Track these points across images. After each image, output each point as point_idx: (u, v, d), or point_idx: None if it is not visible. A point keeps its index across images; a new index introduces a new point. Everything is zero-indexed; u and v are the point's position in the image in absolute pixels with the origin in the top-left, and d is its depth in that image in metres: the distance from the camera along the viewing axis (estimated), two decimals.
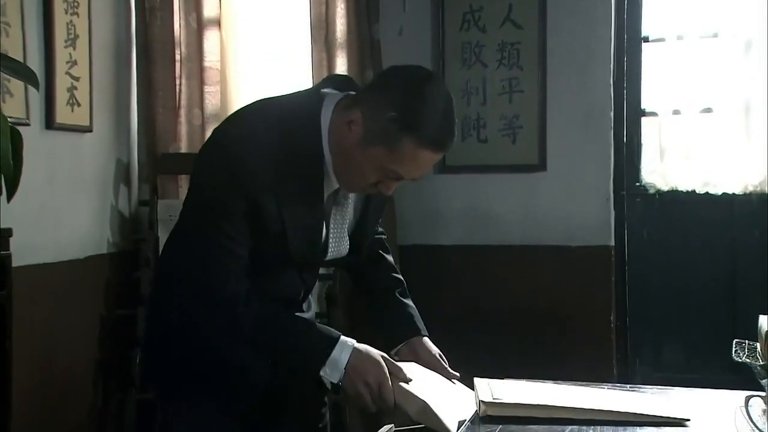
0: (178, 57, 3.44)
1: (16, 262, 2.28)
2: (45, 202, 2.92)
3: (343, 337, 1.58)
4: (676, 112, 3.27)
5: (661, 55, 3.33)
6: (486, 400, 1.55)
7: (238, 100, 3.44)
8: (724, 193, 3.24)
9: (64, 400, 2.97)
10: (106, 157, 3.34)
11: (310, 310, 1.87)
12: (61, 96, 3.00)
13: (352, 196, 1.72)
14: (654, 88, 3.34)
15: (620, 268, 3.34)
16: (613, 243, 3.31)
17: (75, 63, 3.08)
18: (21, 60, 2.64)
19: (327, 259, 1.72)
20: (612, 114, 3.31)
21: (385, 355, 1.61)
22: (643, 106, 3.36)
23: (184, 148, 3.45)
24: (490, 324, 3.33)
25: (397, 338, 1.82)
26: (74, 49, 3.08)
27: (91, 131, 3.19)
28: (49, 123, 2.96)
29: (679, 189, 3.30)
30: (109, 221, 3.34)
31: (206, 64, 3.44)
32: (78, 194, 3.13)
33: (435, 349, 1.81)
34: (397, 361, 1.63)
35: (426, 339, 1.83)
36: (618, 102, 3.33)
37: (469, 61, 3.37)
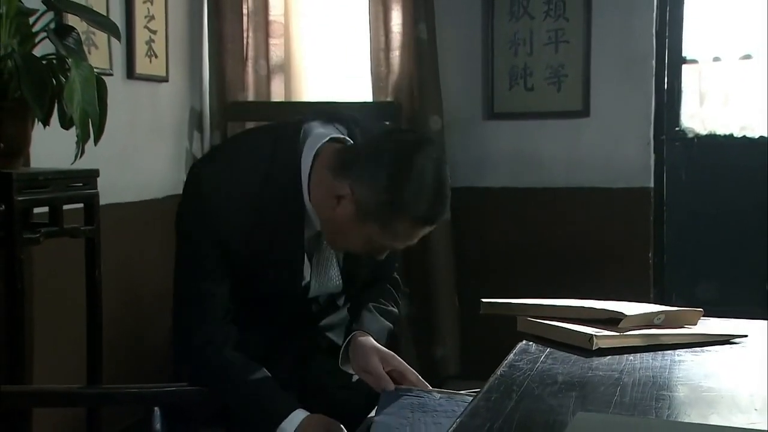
0: (245, 11, 3.44)
1: (102, 201, 2.34)
2: (127, 146, 2.98)
3: (294, 412, 1.45)
4: (716, 59, 3.18)
5: (702, 3, 3.22)
6: (485, 300, 1.58)
7: (301, 52, 3.44)
8: (761, 137, 3.16)
9: (148, 325, 3.07)
10: (180, 106, 3.38)
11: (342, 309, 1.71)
12: (140, 48, 3.03)
13: None
14: (695, 36, 3.25)
15: (658, 209, 3.31)
16: (652, 185, 3.27)
17: (152, 17, 3.11)
18: (104, 14, 2.67)
19: (311, 296, 1.57)
20: (654, 62, 3.24)
21: (337, 423, 1.47)
22: (684, 54, 3.27)
23: (251, 97, 3.47)
24: (532, 262, 3.33)
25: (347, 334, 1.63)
26: (152, 4, 3.10)
27: (167, 81, 3.23)
28: (130, 73, 3.00)
29: (717, 133, 3.23)
30: (185, 164, 3.39)
31: (271, 17, 3.43)
32: (156, 139, 3.19)
33: (379, 352, 1.55)
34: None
35: (366, 338, 1.58)
36: (660, 50, 3.25)
37: (517, 13, 3.31)
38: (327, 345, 1.66)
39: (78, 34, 2.15)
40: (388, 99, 3.32)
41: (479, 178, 3.43)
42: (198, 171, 1.47)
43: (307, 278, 1.54)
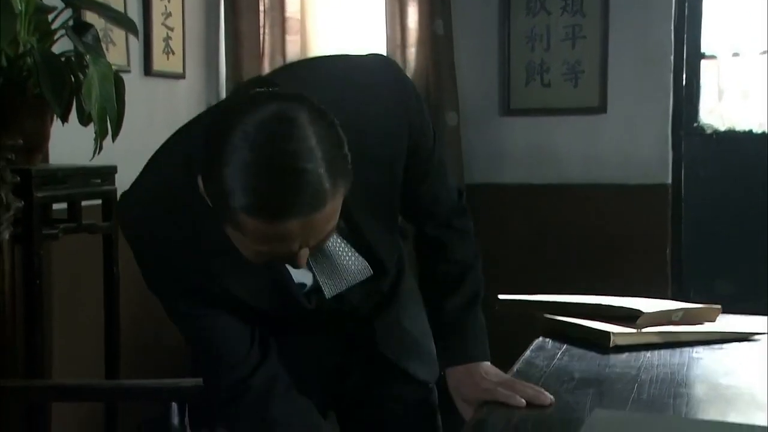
0: (262, 8, 3.44)
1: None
2: (145, 143, 2.97)
3: None
4: (735, 55, 3.15)
5: None
6: (501, 297, 1.56)
7: (317, 48, 3.44)
8: None
9: (166, 320, 3.07)
10: (197, 102, 3.39)
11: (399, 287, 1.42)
12: (157, 45, 3.05)
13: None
14: (714, 31, 3.22)
15: (676, 206, 3.28)
16: (670, 181, 3.25)
17: (170, 14, 3.12)
18: (122, 11, 2.68)
19: (330, 296, 1.24)
20: (672, 57, 3.21)
21: None
22: (702, 49, 3.24)
23: None
24: (548, 259, 3.32)
25: (443, 362, 1.36)
26: (168, 1, 3.11)
27: (184, 78, 3.24)
28: (147, 70, 3.02)
29: (737, 129, 3.20)
30: None
31: (288, 14, 3.44)
32: None
33: (495, 374, 1.29)
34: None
35: (482, 365, 1.31)
36: (678, 45, 3.22)
37: (534, 8, 3.29)
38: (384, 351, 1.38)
39: (96, 31, 2.17)
40: None
41: (495, 174, 3.42)
42: (118, 214, 1.23)
43: (308, 282, 1.23)
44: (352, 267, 1.23)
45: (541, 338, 1.52)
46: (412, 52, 3.30)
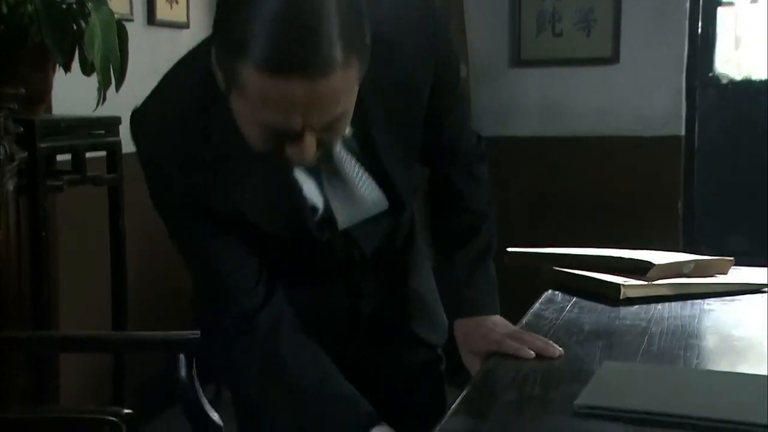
0: None
1: (125, 149, 2.34)
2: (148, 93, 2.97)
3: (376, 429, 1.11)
4: (753, 1, 3.09)
5: None
6: (510, 250, 1.56)
7: None
8: None
9: (172, 272, 3.09)
10: None
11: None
12: None
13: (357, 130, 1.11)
14: None
15: (689, 158, 3.26)
16: (683, 133, 3.22)
17: None
18: None
19: (343, 227, 1.19)
20: (687, 4, 3.16)
21: None
22: None
23: None
24: (559, 212, 3.31)
25: (451, 314, 1.32)
26: None
27: (188, 27, 3.20)
28: (151, 19, 2.98)
29: (753, 78, 3.16)
30: None
31: None
32: None
33: (503, 326, 1.26)
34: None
35: (491, 318, 1.27)
36: None
37: None
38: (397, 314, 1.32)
39: None
40: None
41: (506, 127, 3.39)
42: (133, 125, 1.17)
43: (320, 205, 1.16)
44: (367, 196, 1.18)
45: (550, 291, 1.52)
46: None
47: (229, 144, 1.07)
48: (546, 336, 1.23)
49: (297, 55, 0.92)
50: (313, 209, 1.16)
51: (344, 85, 0.96)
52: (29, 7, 1.98)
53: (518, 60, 3.31)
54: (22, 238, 1.91)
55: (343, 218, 1.18)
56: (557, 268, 1.56)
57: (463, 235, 1.33)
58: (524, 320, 1.36)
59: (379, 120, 1.13)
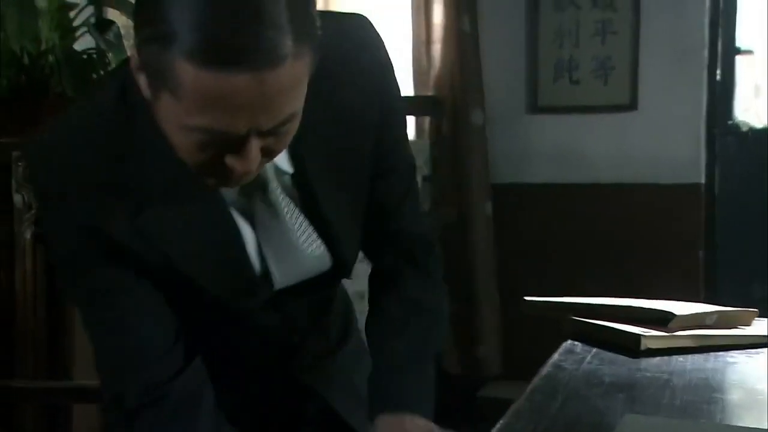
0: None
1: None
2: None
3: None
4: None
5: None
6: (527, 299, 1.55)
7: None
8: None
9: None
10: None
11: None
12: None
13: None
14: (750, 25, 3.18)
15: (709, 206, 3.25)
16: (703, 180, 3.21)
17: None
18: None
19: (278, 288, 1.03)
20: (706, 52, 3.18)
21: None
22: (738, 44, 3.20)
23: None
24: (576, 261, 3.29)
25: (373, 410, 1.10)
26: None
27: None
28: None
29: None
30: None
31: None
32: None
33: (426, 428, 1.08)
34: None
35: (415, 417, 1.08)
36: (713, 40, 3.19)
37: (563, 3, 3.27)
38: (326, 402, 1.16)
39: (118, 28, 2.18)
40: (430, 93, 3.31)
41: (522, 173, 3.40)
42: (26, 154, 1.05)
43: (253, 256, 1.00)
44: (307, 248, 1.01)
45: (569, 341, 1.51)
46: (437, 48, 3.29)
47: (151, 168, 0.92)
48: (565, 388, 1.22)
49: (240, 42, 0.78)
50: (246, 260, 1.00)
51: (295, 80, 0.83)
52: (50, 58, 2.03)
53: (535, 106, 3.34)
54: (38, 287, 1.93)
55: (281, 274, 1.02)
56: (576, 318, 1.56)
57: (395, 325, 1.13)
58: (543, 371, 1.35)
59: (319, 158, 0.98)
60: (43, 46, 2.05)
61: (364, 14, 1.11)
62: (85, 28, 2.13)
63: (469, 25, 3.24)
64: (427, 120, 3.35)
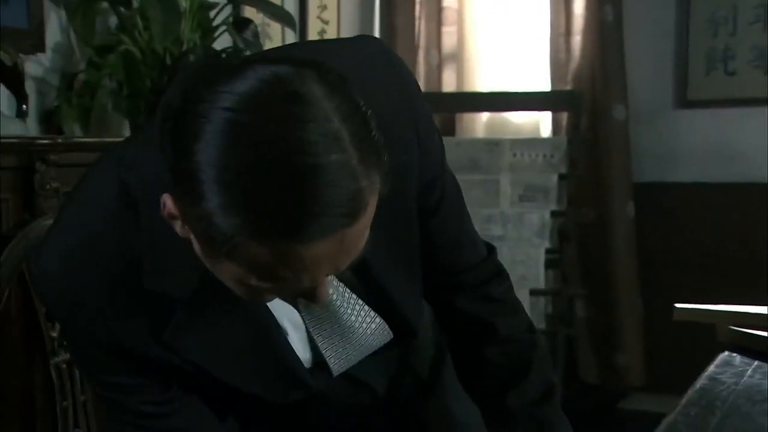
0: None
1: None
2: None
3: None
4: None
5: None
6: (679, 306, 1.50)
7: (474, 39, 3.43)
8: None
9: None
10: None
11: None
12: (312, 38, 3.14)
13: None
14: None
15: None
16: None
17: (325, 7, 3.23)
18: (279, 5, 2.79)
19: (339, 372, 0.96)
20: None
21: None
22: None
23: (422, 88, 3.48)
24: (728, 265, 3.15)
25: None
26: None
27: None
28: None
29: None
30: None
31: (444, 4, 3.45)
32: None
33: None
34: None
35: None
36: None
37: None
38: None
39: (255, 26, 2.26)
40: (568, 87, 3.25)
41: (668, 172, 3.29)
42: (33, 276, 0.90)
43: (306, 353, 0.94)
44: (364, 328, 0.93)
45: (726, 353, 1.44)
46: (577, 40, 3.22)
47: (171, 277, 0.81)
48: (724, 403, 1.17)
49: (310, 213, 0.68)
50: (294, 359, 0.92)
51: (372, 212, 0.73)
52: (191, 58, 2.12)
53: (684, 100, 3.22)
54: None
55: (337, 362, 0.94)
56: (733, 327, 1.49)
57: (507, 373, 1.02)
58: (698, 384, 1.30)
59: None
60: (185, 47, 2.14)
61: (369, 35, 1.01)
62: (224, 27, 2.21)
63: (612, 15, 3.16)
64: (564, 116, 3.29)
